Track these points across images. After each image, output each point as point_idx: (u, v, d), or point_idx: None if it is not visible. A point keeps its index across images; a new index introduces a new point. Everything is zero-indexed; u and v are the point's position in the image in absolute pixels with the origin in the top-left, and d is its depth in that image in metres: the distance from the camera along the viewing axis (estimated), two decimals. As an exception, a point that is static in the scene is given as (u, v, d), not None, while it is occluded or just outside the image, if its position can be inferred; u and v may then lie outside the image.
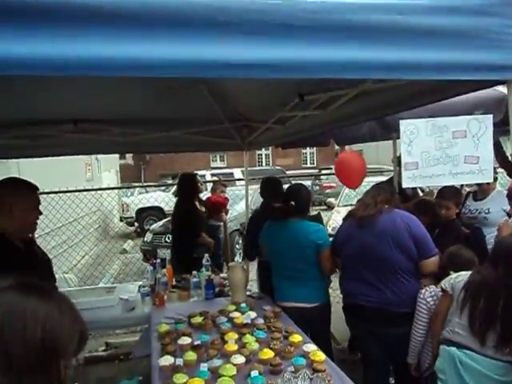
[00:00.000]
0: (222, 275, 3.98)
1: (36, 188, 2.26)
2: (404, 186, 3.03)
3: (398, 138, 3.18)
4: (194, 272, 3.57)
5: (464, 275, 2.27)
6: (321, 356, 2.16)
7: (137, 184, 16.84)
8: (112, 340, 4.72)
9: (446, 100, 2.17)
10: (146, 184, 19.99)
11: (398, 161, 3.85)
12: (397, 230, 2.58)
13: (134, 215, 12.96)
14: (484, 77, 1.14)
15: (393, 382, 2.95)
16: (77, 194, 5.87)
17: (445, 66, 1.10)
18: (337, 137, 4.51)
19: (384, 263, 2.58)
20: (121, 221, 13.70)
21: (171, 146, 4.47)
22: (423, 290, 2.50)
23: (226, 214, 6.03)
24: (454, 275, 2.34)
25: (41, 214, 2.27)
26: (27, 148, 3.84)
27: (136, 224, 13.05)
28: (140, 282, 3.82)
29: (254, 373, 1.97)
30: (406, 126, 3.00)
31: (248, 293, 3.35)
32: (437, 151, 2.97)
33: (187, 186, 4.61)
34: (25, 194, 2.19)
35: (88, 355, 4.33)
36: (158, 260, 3.84)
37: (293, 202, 2.99)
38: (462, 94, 1.93)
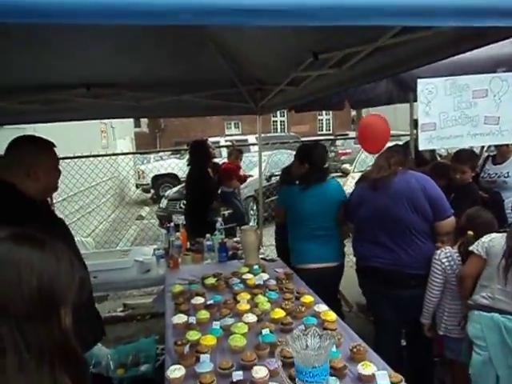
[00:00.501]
0: (235, 239, 4.02)
1: (53, 144, 2.09)
2: (420, 148, 2.97)
3: (416, 100, 3.08)
4: (208, 235, 3.60)
5: (497, 239, 2.22)
6: (332, 316, 2.18)
7: (152, 149, 16.96)
8: (129, 301, 4.87)
9: (468, 56, 2.07)
10: (161, 149, 20.07)
11: (414, 124, 3.75)
12: (411, 191, 2.54)
13: (149, 182, 13.11)
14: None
15: (404, 344, 2.98)
16: (92, 159, 5.91)
17: (467, 11, 1.02)
18: (351, 99, 4.38)
19: (399, 225, 2.56)
20: (137, 188, 13.86)
21: (184, 110, 4.42)
22: (438, 251, 2.49)
23: (240, 180, 6.01)
24: (485, 239, 2.29)
25: (60, 172, 2.14)
26: (39, 113, 3.83)
27: (152, 191, 13.21)
28: (154, 246, 3.89)
29: (265, 331, 2.01)
30: (424, 85, 2.89)
31: (261, 256, 3.38)
32: (455, 111, 2.87)
33: (198, 153, 4.63)
34: (45, 152, 2.02)
35: (107, 315, 4.48)
36: (172, 224, 3.88)
37: (307, 164, 2.96)
38: (483, 46, 1.81)
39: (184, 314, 2.28)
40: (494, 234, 2.28)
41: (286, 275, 2.85)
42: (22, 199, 1.90)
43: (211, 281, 2.82)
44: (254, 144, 8.22)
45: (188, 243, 3.87)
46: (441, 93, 2.76)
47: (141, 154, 11.99)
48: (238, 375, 1.64)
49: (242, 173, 6.24)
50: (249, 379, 1.66)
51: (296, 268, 3.03)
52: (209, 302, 2.43)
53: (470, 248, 2.30)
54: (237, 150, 6.24)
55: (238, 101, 4.22)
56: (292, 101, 3.93)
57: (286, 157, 8.48)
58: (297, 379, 1.48)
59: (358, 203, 2.79)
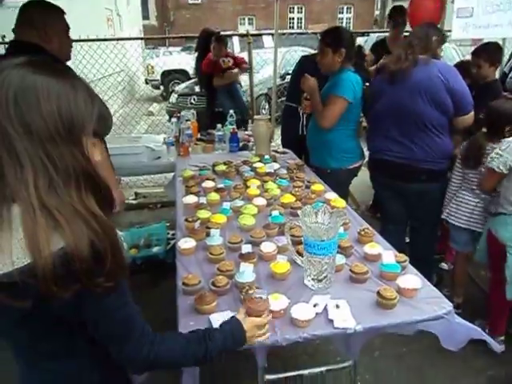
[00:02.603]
0: (246, 132, 3.95)
1: (63, 11, 2.07)
2: (453, 36, 2.73)
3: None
4: (219, 125, 3.53)
5: None
6: (341, 203, 2.19)
7: (160, 36, 16.25)
8: (141, 190, 4.98)
9: None
10: (169, 35, 19.11)
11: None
12: (432, 84, 2.37)
13: (159, 78, 12.71)
14: None
15: (407, 241, 3.02)
16: (101, 54, 5.63)
17: None
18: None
19: (415, 119, 2.44)
20: (146, 83, 13.46)
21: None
22: (464, 143, 2.43)
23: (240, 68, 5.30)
24: (507, 153, 2.14)
25: (72, 42, 2.15)
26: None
27: (161, 88, 12.87)
28: (165, 135, 3.85)
29: (275, 212, 2.03)
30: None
31: (272, 149, 3.34)
32: (497, -5, 2.57)
33: (206, 42, 4.40)
34: (56, 13, 2.02)
35: (119, 203, 4.61)
36: (183, 113, 3.78)
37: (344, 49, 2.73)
38: None
39: (195, 196, 2.31)
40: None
41: (297, 165, 2.82)
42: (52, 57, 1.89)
43: (222, 168, 2.81)
44: (269, 33, 7.56)
45: (198, 134, 3.82)
46: (483, -30, 2.46)
47: (150, 39, 11.05)
48: (246, 248, 1.69)
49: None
50: (257, 253, 1.71)
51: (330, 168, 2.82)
52: (219, 186, 2.44)
53: (490, 165, 2.20)
54: (218, 40, 4.81)
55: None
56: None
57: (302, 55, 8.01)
58: (305, 252, 1.52)
59: (374, 96, 2.64)
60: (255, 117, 3.29)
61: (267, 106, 8.04)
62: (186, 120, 3.70)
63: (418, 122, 2.45)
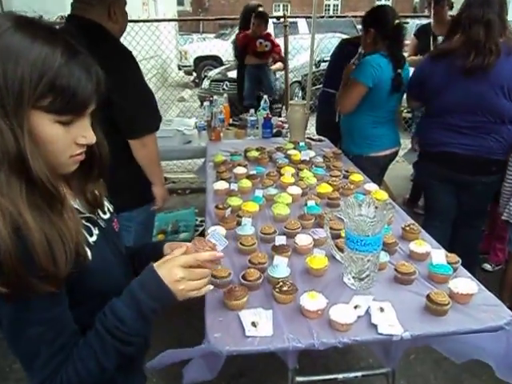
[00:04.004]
0: (280, 118, 3.80)
1: None
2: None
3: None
4: (252, 110, 3.39)
5: None
6: (383, 195, 2.02)
7: (193, 18, 16.15)
8: (170, 175, 4.92)
9: None
10: (203, 18, 18.98)
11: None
12: None
13: (191, 64, 12.65)
14: None
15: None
16: (134, 36, 5.57)
17: None
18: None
19: (492, 113, 2.25)
20: (179, 69, 13.43)
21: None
22: None
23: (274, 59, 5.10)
24: None
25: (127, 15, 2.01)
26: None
27: (194, 74, 12.81)
28: (196, 120, 3.75)
29: (311, 202, 1.88)
30: None
31: (307, 136, 3.18)
32: None
33: (246, 19, 4.25)
34: None
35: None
36: (215, 97, 3.66)
37: (373, 29, 2.55)
38: None
39: (226, 182, 2.19)
40: None
41: (334, 154, 2.66)
42: (110, 38, 1.83)
43: (254, 154, 2.68)
44: (305, 16, 7.27)
45: (230, 120, 3.70)
46: None
47: (183, 20, 10.66)
48: (280, 239, 1.56)
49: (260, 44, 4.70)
50: (291, 246, 1.58)
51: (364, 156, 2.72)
52: (251, 172, 2.31)
53: None
54: (259, 16, 4.62)
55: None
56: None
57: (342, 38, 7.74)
58: (346, 248, 1.37)
59: (437, 88, 2.35)
60: (291, 102, 3.14)
61: (300, 94, 7.83)
62: (219, 104, 3.59)
63: (494, 116, 2.26)
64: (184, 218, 3.57)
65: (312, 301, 1.23)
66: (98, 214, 0.95)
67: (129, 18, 1.99)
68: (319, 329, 1.20)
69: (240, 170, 2.33)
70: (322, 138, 3.18)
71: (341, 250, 1.46)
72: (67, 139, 0.77)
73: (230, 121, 3.67)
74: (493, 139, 2.29)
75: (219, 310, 1.28)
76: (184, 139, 3.30)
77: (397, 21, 2.56)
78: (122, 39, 2.01)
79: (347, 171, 2.36)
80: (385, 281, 1.43)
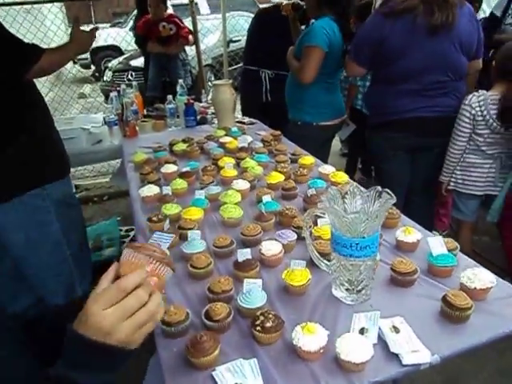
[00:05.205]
0: (201, 104, 3.39)
1: None
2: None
3: None
4: (169, 96, 2.94)
5: None
6: (343, 177, 1.75)
7: None
8: (81, 182, 4.30)
9: None
10: None
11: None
12: (469, 30, 2.08)
13: (88, 56, 11.55)
14: None
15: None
16: (11, 22, 4.74)
17: None
18: None
19: (453, 70, 2.13)
20: (74, 63, 12.24)
21: None
22: (470, 96, 2.05)
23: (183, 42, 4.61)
24: None
25: None
26: None
27: (93, 67, 11.74)
28: (103, 114, 3.22)
29: (266, 198, 1.55)
30: None
31: (237, 119, 2.83)
32: None
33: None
34: None
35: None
36: (123, 86, 3.13)
37: None
38: None
39: (154, 185, 1.77)
40: None
41: (273, 136, 2.34)
42: None
43: (181, 146, 2.27)
44: None
45: (144, 110, 3.22)
46: None
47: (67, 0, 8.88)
48: (244, 254, 1.20)
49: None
50: (257, 258, 1.24)
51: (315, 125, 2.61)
52: (184, 170, 1.91)
53: None
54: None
55: None
56: None
57: (245, 20, 7.43)
58: (335, 255, 1.06)
59: (402, 48, 2.08)
60: (215, 82, 2.75)
61: (213, 78, 7.41)
62: (130, 94, 3.07)
63: (455, 73, 2.14)
64: (106, 231, 3.06)
65: (310, 337, 0.90)
66: None
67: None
68: (326, 374, 0.88)
69: (169, 169, 1.92)
70: (253, 120, 2.85)
71: (323, 255, 1.15)
72: None
73: (145, 112, 3.20)
74: (453, 97, 2.19)
75: (183, 373, 0.91)
76: (92, 139, 2.77)
77: None
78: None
79: (294, 154, 2.06)
80: (380, 285, 1.15)
